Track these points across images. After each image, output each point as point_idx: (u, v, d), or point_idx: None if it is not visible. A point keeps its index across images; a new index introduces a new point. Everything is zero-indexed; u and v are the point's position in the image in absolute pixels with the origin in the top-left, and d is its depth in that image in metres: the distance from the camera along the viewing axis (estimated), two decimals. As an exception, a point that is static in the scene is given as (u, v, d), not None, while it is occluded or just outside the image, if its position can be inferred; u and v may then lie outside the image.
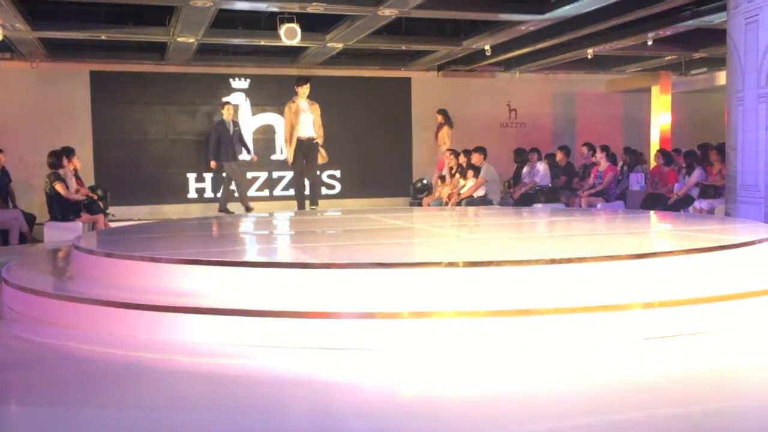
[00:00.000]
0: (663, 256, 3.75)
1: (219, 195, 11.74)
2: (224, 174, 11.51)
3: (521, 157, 12.18)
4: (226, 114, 11.35)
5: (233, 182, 11.37)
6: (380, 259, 3.71)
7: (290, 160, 9.64)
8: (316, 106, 9.55)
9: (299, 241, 5.21)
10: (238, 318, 3.27)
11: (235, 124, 11.55)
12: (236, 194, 11.45)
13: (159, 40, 11.39)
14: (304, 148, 9.47)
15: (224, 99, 12.29)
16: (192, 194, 13.31)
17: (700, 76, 15.03)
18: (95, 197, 9.81)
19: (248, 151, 11.90)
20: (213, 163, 11.37)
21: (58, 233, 8.48)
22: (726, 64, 7.54)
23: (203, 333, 3.28)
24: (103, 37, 10.95)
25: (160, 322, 3.36)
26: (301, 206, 9.69)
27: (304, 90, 9.48)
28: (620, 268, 3.59)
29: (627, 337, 3.19)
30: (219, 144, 11.19)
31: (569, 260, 3.55)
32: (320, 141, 9.48)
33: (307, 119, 9.39)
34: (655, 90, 15.00)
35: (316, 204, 9.86)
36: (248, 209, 11.04)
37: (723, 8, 8.10)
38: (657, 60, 13.89)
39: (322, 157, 9.58)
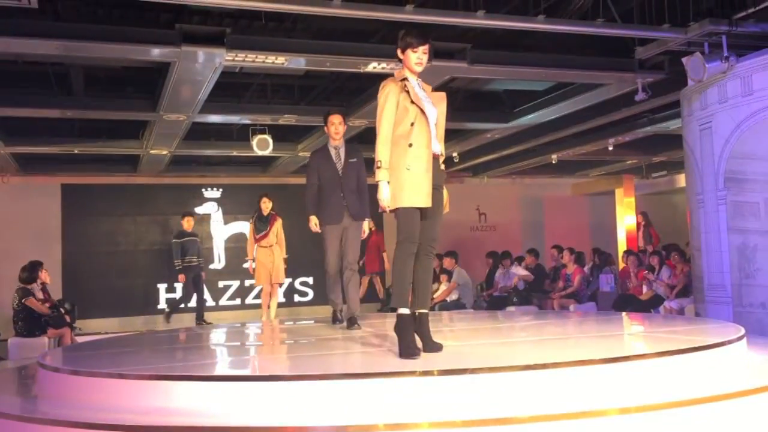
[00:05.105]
0: (636, 359, 3.77)
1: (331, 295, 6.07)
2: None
3: (494, 259, 12.29)
4: (333, 132, 5.99)
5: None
6: (353, 369, 3.66)
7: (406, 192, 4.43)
8: (443, 97, 4.67)
9: (270, 352, 5.13)
10: (208, 436, 3.17)
11: (352, 152, 6.13)
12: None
13: (132, 153, 11.53)
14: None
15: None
16: (162, 305, 13.12)
17: (661, 178, 15.55)
18: (62, 311, 9.58)
19: (365, 214, 5.92)
20: (313, 221, 5.82)
21: (23, 350, 8.26)
22: (684, 168, 7.82)
23: (172, 453, 3.17)
24: (76, 151, 11.06)
25: (128, 442, 3.24)
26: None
27: (421, 56, 4.27)
28: (595, 373, 3.58)
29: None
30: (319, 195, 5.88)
31: (544, 366, 3.54)
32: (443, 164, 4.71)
33: (429, 115, 4.49)
34: (618, 193, 15.45)
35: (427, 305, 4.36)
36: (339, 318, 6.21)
37: (678, 115, 8.49)
38: (619, 164, 14.39)
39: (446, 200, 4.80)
